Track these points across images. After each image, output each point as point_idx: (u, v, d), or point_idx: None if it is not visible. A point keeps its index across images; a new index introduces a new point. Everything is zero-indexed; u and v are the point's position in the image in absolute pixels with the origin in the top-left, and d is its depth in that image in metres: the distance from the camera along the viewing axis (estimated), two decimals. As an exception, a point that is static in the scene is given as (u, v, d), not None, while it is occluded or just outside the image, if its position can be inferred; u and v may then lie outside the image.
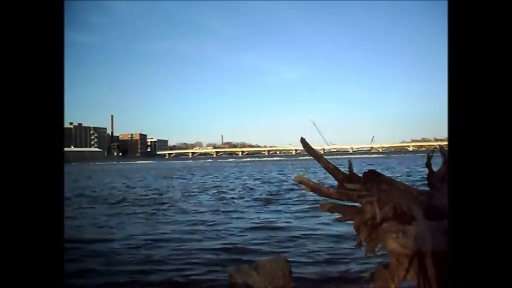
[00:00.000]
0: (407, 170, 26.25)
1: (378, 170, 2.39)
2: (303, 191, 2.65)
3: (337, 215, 2.33)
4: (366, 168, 2.41)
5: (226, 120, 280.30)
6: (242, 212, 10.47)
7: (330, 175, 2.38)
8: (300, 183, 2.28)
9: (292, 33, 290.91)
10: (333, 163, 2.38)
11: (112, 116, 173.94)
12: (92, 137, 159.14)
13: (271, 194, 14.52)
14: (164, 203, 12.83)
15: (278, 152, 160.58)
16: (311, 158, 2.44)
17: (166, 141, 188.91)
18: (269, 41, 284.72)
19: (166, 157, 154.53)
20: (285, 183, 19.09)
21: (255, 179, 23.19)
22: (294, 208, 10.76)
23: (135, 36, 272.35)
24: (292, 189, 15.25)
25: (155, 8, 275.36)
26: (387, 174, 3.22)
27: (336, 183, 2.36)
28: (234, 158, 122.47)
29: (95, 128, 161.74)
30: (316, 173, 21.06)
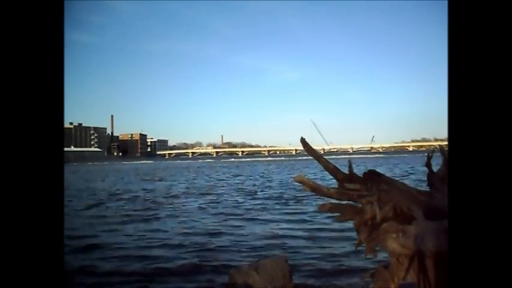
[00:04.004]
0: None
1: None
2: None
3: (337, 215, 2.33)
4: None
5: (226, 120, 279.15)
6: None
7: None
8: (300, 183, 2.28)
9: (292, 33, 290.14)
10: (333, 163, 2.38)
11: (112, 116, 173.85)
12: (92, 137, 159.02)
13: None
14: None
15: (278, 152, 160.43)
16: (311, 157, 2.44)
17: (166, 141, 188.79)
18: (269, 41, 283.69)
19: (166, 157, 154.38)
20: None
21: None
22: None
23: (135, 36, 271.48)
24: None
25: (155, 8, 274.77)
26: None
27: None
28: (234, 157, 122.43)
29: (95, 128, 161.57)
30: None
